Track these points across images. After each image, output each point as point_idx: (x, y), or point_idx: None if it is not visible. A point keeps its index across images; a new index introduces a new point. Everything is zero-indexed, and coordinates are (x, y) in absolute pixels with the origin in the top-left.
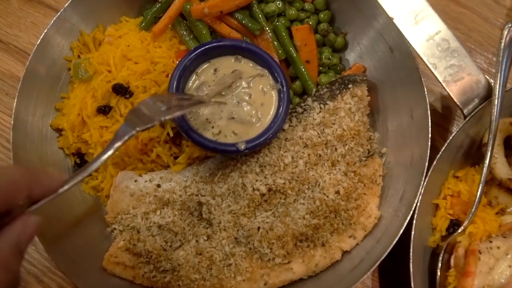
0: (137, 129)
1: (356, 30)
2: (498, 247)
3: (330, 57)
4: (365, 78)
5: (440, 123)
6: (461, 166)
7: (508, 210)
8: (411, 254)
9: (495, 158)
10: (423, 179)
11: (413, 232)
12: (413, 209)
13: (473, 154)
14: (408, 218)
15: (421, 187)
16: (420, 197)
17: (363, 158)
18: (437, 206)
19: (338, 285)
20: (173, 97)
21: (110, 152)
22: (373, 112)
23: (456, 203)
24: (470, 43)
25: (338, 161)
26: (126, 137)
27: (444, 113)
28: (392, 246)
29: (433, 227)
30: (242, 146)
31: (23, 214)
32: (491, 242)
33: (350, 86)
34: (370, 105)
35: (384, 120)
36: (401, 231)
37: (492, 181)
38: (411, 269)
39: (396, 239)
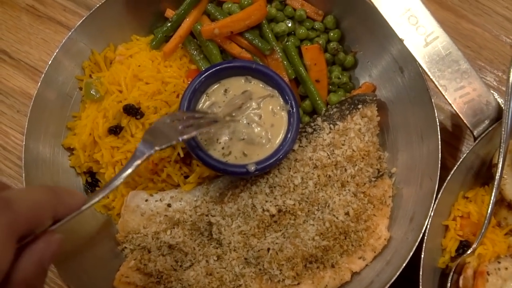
0: (156, 148)
1: (366, 49)
2: (506, 268)
3: (340, 76)
4: (375, 98)
5: (450, 141)
6: (471, 187)
7: None
8: (420, 276)
9: (504, 179)
10: (433, 201)
11: (422, 255)
12: (422, 231)
13: (483, 175)
14: (418, 240)
15: (431, 209)
16: (430, 219)
17: (373, 179)
18: (446, 227)
19: None
20: (188, 115)
21: (130, 170)
22: (383, 131)
23: (465, 224)
24: (480, 61)
25: (347, 182)
26: (145, 156)
27: (454, 131)
28: (402, 268)
29: (442, 248)
30: (252, 168)
31: (46, 233)
32: (499, 263)
33: (359, 106)
34: (380, 124)
35: (394, 140)
36: (411, 253)
37: (501, 202)
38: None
39: (406, 261)
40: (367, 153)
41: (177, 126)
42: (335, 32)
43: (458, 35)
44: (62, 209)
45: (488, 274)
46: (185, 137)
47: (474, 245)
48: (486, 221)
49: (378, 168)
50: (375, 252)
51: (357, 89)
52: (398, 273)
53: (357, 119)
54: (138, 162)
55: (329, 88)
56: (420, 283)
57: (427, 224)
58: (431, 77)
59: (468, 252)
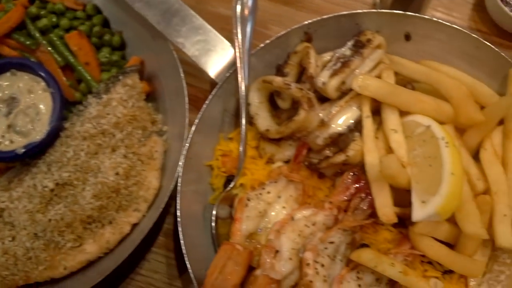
0: None
1: (131, 29)
2: (269, 192)
3: (108, 55)
4: (135, 68)
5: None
6: (233, 129)
7: (276, 157)
8: (178, 218)
9: (257, 114)
10: (184, 146)
11: (179, 195)
12: (175, 177)
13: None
14: (173, 184)
15: (182, 154)
16: (183, 164)
17: (142, 139)
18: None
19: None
20: None
21: None
22: (156, 97)
23: (227, 161)
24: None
25: (118, 146)
26: None
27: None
28: (159, 213)
29: (212, 186)
30: (21, 151)
31: None
32: (264, 189)
33: (120, 77)
34: (154, 91)
35: (163, 102)
36: (167, 198)
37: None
38: (180, 229)
39: (163, 205)
40: (134, 117)
41: None
42: (98, 17)
43: None
44: None
45: (249, 200)
46: None
47: (235, 178)
48: (241, 154)
49: (151, 130)
50: (147, 202)
51: (127, 64)
52: (156, 217)
53: (119, 89)
54: None
55: (101, 68)
56: (179, 225)
57: (179, 171)
58: (168, 37)
59: (231, 185)
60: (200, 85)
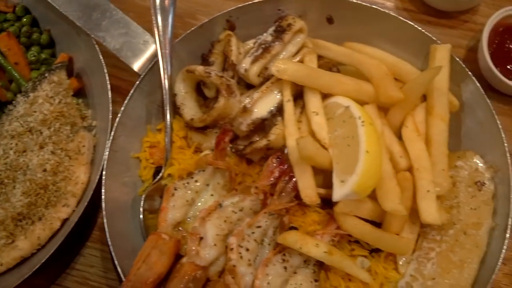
0: None
1: (59, 27)
2: (197, 181)
3: (36, 54)
4: (61, 65)
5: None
6: (161, 120)
7: (203, 146)
8: (103, 211)
9: (183, 104)
10: (109, 140)
11: (103, 189)
12: (100, 169)
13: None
14: (98, 177)
15: (106, 147)
16: (107, 157)
17: (71, 135)
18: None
19: None
20: None
21: None
22: (86, 92)
23: (155, 152)
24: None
25: (46, 143)
26: None
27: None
28: (84, 207)
29: (142, 178)
30: None
31: None
32: (192, 178)
33: (47, 75)
34: (85, 87)
35: (92, 98)
36: (92, 191)
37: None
38: (105, 221)
39: (89, 197)
40: (61, 114)
41: None
42: (27, 18)
43: None
44: None
45: (176, 189)
46: None
47: (163, 169)
48: (166, 145)
49: (81, 125)
50: (76, 197)
51: (55, 62)
52: (82, 211)
53: (45, 86)
54: None
55: (32, 67)
56: (104, 218)
57: (104, 162)
58: (89, 32)
59: (159, 176)
60: (129, 78)
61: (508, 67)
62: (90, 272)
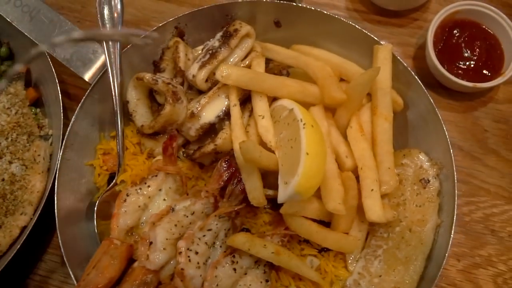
0: None
1: (17, 39)
2: (149, 186)
3: None
4: (17, 76)
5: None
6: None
7: (156, 151)
8: (56, 218)
9: (135, 111)
10: (60, 148)
11: (55, 197)
12: (52, 176)
13: None
14: (51, 183)
15: (58, 156)
16: (58, 164)
17: (27, 145)
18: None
19: None
20: None
21: None
22: (44, 102)
23: (108, 159)
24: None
25: (4, 153)
26: None
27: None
28: (38, 214)
29: (96, 185)
30: None
31: None
32: (145, 183)
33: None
34: (40, 97)
35: (48, 107)
36: (45, 199)
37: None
38: (58, 227)
39: (41, 207)
40: (18, 124)
41: None
42: None
43: None
44: None
45: (128, 195)
46: None
47: (116, 175)
48: (119, 152)
49: (39, 135)
50: (32, 205)
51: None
52: (36, 218)
53: (2, 98)
54: None
55: None
56: (57, 222)
57: (57, 166)
58: (36, 42)
59: (113, 182)
60: (86, 86)
61: (457, 63)
62: (51, 278)
